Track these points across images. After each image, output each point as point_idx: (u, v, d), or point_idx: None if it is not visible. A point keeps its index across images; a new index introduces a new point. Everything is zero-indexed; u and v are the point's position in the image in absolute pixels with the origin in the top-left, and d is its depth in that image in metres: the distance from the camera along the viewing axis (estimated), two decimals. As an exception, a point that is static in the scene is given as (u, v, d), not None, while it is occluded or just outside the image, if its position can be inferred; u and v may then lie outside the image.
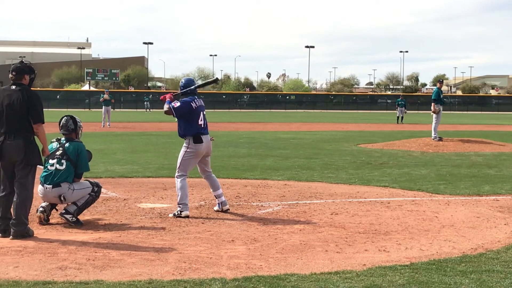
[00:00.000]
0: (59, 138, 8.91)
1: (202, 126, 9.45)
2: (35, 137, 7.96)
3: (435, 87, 23.62)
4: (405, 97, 60.18)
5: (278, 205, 10.12)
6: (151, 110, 72.56)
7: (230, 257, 6.79)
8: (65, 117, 8.97)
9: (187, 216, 9.00)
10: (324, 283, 5.81)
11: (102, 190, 11.45)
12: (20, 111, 7.76)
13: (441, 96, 23.17)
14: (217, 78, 9.99)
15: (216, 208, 9.64)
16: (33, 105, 7.85)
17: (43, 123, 7.99)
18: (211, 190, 9.77)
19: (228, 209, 9.56)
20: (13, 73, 7.99)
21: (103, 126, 35.46)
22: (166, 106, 9.35)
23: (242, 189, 11.74)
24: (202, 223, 8.67)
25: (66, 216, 8.49)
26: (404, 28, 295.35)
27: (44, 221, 8.51)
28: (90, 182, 8.92)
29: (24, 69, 8.10)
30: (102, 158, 17.08)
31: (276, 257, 6.81)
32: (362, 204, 10.30)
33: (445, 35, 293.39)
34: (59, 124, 8.94)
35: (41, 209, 8.56)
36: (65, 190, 8.50)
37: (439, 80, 24.54)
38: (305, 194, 11.21)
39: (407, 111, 51.34)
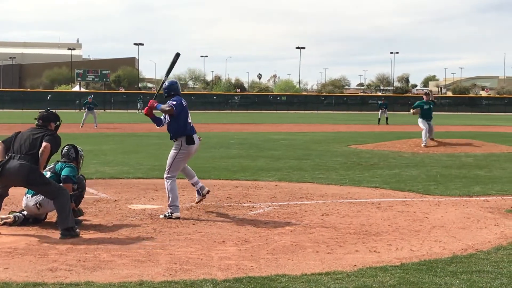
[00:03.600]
0: (58, 161, 8.94)
1: (191, 125, 9.47)
2: None
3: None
4: (387, 99, 61.10)
5: (269, 206, 10.12)
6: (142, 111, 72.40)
7: (221, 258, 6.78)
8: (66, 146, 9.12)
9: (178, 218, 9.00)
10: (315, 284, 5.82)
11: (93, 191, 11.47)
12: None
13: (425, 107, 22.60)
14: (178, 53, 10.07)
15: (197, 198, 9.71)
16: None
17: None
18: (188, 179, 9.93)
19: (209, 191, 9.80)
20: (40, 121, 8.45)
21: (82, 126, 35.33)
22: (164, 106, 9.22)
23: (233, 190, 11.74)
24: (193, 224, 8.67)
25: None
26: (395, 29, 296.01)
27: (4, 224, 8.42)
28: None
29: (50, 117, 8.58)
30: (93, 159, 17.03)
31: (267, 258, 6.82)
32: (353, 205, 10.32)
33: (435, 36, 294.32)
34: (61, 152, 9.03)
35: (17, 213, 8.54)
36: (41, 198, 8.37)
37: (426, 92, 24.32)
38: (296, 195, 11.22)
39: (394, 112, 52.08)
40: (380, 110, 47.59)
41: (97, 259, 6.66)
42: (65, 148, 9.07)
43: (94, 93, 71.02)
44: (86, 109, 37.86)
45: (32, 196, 8.51)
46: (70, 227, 7.84)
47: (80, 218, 8.65)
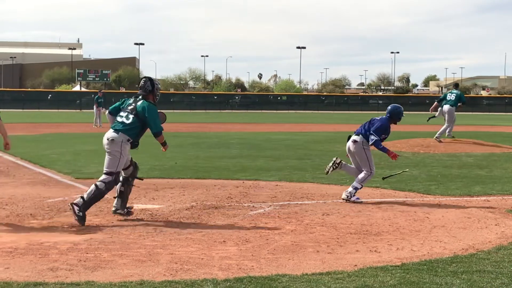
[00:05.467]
0: (138, 95, 9.18)
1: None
2: None
3: (456, 91, 23.29)
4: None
5: (270, 206, 10.12)
6: None
7: (221, 258, 6.79)
8: (143, 79, 9.31)
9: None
10: (315, 283, 5.82)
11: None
12: None
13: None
14: None
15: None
16: None
17: None
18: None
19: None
20: None
21: (101, 126, 35.48)
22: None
23: (233, 190, 11.74)
24: (194, 224, 8.67)
25: (119, 212, 8.95)
26: (395, 29, 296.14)
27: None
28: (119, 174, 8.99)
29: None
30: (94, 159, 17.03)
31: (267, 258, 6.82)
32: (353, 204, 10.32)
33: (436, 36, 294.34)
34: (139, 85, 9.31)
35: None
36: (118, 138, 8.75)
37: (456, 84, 24.51)
38: (296, 195, 11.22)
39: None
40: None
41: (97, 259, 6.66)
42: (142, 81, 9.28)
43: (95, 93, 70.88)
44: (96, 106, 36.62)
45: (113, 131, 8.87)
46: None
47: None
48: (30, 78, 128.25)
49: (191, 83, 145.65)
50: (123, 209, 8.99)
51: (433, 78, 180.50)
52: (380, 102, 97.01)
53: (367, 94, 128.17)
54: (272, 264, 6.55)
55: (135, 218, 9.02)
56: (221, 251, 7.12)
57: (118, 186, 9.04)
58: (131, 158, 9.24)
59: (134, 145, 9.00)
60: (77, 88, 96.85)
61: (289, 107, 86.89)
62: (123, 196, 9.07)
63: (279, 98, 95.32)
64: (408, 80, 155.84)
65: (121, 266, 6.41)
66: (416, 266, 6.46)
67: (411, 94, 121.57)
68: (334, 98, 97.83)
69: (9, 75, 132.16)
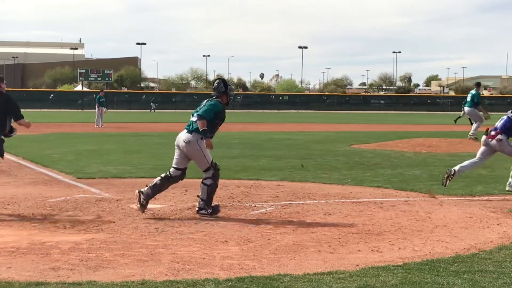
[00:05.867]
0: (211, 96, 9.50)
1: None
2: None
3: (472, 91, 23.63)
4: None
5: (271, 205, 10.12)
6: (155, 111, 72.40)
7: (223, 258, 6.78)
8: (217, 80, 9.63)
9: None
10: (317, 283, 5.81)
11: (95, 190, 11.49)
12: None
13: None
14: None
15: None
16: None
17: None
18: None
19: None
20: None
21: (102, 126, 35.64)
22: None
23: (235, 189, 11.74)
24: (195, 223, 8.67)
25: (201, 212, 9.17)
26: (397, 29, 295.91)
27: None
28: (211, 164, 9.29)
29: None
30: (95, 159, 17.05)
31: (269, 258, 6.82)
32: (355, 204, 10.32)
33: (438, 35, 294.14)
34: (213, 85, 9.68)
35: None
36: (192, 138, 9.09)
37: (478, 83, 24.59)
38: (298, 195, 11.22)
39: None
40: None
41: (99, 259, 6.66)
42: (215, 83, 9.60)
43: (96, 92, 70.93)
44: (98, 106, 36.75)
45: (186, 132, 9.23)
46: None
47: (82, 218, 8.64)
48: (32, 78, 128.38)
49: (192, 83, 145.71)
50: (145, 200, 9.17)
51: (435, 78, 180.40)
52: (382, 102, 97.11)
53: (369, 94, 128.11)
54: (273, 264, 6.55)
55: (137, 218, 9.01)
56: (222, 251, 7.12)
57: (156, 178, 9.37)
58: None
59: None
60: (79, 88, 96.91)
61: (290, 107, 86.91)
62: (154, 189, 9.26)
63: (280, 98, 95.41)
64: (410, 80, 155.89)
65: (122, 266, 6.41)
66: (418, 266, 6.45)
67: (412, 94, 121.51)
68: (335, 98, 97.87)
69: (11, 75, 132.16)
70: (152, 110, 73.29)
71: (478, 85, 24.40)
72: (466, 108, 23.52)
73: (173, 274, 6.12)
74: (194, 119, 9.24)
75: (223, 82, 9.53)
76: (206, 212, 9.13)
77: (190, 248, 7.23)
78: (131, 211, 9.49)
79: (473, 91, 23.72)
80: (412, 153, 19.81)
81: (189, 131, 9.20)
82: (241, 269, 6.32)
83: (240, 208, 9.84)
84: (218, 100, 9.39)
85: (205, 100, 9.48)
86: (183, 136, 9.22)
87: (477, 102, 23.27)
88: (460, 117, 23.68)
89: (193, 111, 9.51)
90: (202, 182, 9.27)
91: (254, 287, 5.70)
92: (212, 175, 9.23)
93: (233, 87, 9.68)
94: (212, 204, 9.23)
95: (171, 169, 9.35)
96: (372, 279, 5.96)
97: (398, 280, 5.94)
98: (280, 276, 6.05)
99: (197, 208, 9.26)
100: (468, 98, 23.64)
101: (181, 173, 9.38)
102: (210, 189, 9.23)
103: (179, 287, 5.67)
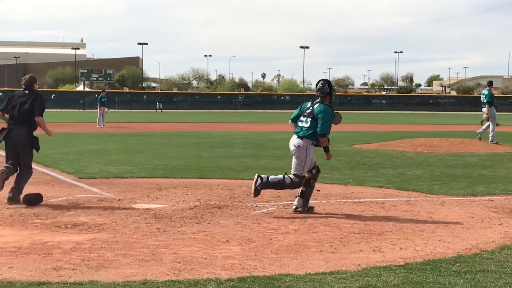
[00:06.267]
0: (314, 99, 9.74)
1: None
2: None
3: (485, 90, 23.56)
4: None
5: (273, 205, 10.11)
6: (162, 110, 72.41)
7: (225, 258, 6.78)
8: (321, 81, 9.77)
9: None
10: (318, 283, 5.81)
11: (97, 190, 11.50)
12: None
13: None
14: None
15: None
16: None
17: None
18: None
19: None
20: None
21: (104, 126, 35.72)
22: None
23: (237, 189, 11.74)
24: (197, 223, 8.67)
25: (299, 210, 9.46)
26: (399, 29, 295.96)
27: None
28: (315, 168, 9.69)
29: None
30: (97, 159, 17.05)
31: (271, 258, 6.81)
32: (356, 204, 10.31)
33: (439, 35, 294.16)
34: (316, 87, 9.84)
35: None
36: (303, 144, 9.43)
37: (490, 82, 24.44)
38: (299, 195, 11.19)
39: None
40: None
41: (101, 258, 6.67)
42: (320, 83, 9.73)
43: (98, 92, 71.06)
44: (100, 106, 36.77)
45: (297, 138, 9.57)
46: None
47: (83, 218, 8.65)
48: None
49: (194, 82, 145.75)
50: (304, 208, 9.51)
51: (437, 77, 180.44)
52: (384, 102, 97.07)
53: (370, 94, 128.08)
54: (275, 264, 6.55)
55: (139, 217, 9.02)
56: (224, 250, 7.11)
57: (300, 188, 9.60)
58: (314, 162, 9.73)
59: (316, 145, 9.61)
60: (80, 88, 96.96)
61: (292, 107, 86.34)
62: (304, 196, 9.55)
63: (282, 97, 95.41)
64: (411, 80, 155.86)
65: (124, 265, 6.41)
66: (420, 266, 6.45)
67: (414, 94, 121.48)
68: (337, 98, 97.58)
69: (12, 75, 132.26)
70: (159, 110, 73.29)
71: (490, 84, 24.22)
72: (484, 109, 23.37)
73: (174, 274, 6.12)
74: (304, 124, 9.50)
75: (327, 83, 9.70)
76: (258, 185, 9.37)
77: (192, 248, 7.23)
78: (133, 211, 9.49)
79: (485, 91, 23.59)
80: (413, 153, 19.81)
81: (300, 137, 9.50)
82: (243, 269, 6.32)
83: (242, 208, 9.84)
84: (325, 104, 9.57)
85: (310, 103, 9.70)
86: (294, 141, 9.56)
87: (489, 101, 23.20)
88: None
89: (294, 113, 9.92)
90: (285, 174, 9.57)
91: (255, 287, 5.70)
92: (293, 182, 9.48)
93: (336, 88, 9.88)
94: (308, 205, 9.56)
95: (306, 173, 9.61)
96: (373, 279, 5.96)
97: (399, 280, 5.94)
98: (281, 276, 6.05)
99: (259, 176, 9.49)
100: (482, 99, 23.47)
101: (315, 171, 9.73)
102: (278, 182, 9.47)
103: (180, 287, 5.67)
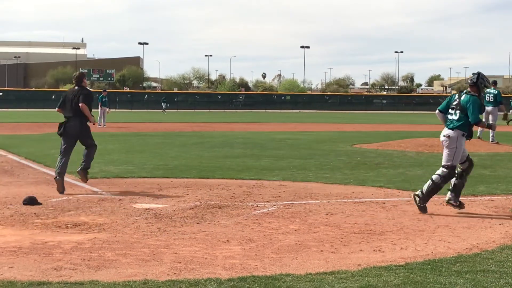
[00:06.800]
0: (462, 90, 9.98)
1: None
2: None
3: (492, 89, 23.28)
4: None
5: (274, 205, 10.11)
6: (166, 111, 72.35)
7: (225, 258, 6.78)
8: (475, 74, 9.95)
9: None
10: (319, 283, 5.81)
11: (97, 190, 11.50)
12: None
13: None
14: None
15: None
16: None
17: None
18: None
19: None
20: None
21: (105, 126, 35.81)
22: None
23: (237, 189, 11.74)
24: (197, 223, 8.67)
25: (451, 202, 9.71)
26: (399, 28, 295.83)
27: None
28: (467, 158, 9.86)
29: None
30: (97, 159, 17.00)
31: (271, 257, 6.82)
32: (357, 204, 10.31)
33: (440, 35, 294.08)
34: (469, 80, 10.05)
35: None
36: (453, 134, 9.58)
37: (494, 81, 24.26)
38: (300, 195, 11.21)
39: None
40: None
41: (101, 258, 6.67)
42: (473, 76, 9.91)
43: (99, 92, 71.13)
44: (101, 105, 36.93)
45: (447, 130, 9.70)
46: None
47: (84, 217, 8.65)
48: (35, 78, 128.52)
49: (195, 82, 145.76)
50: (456, 201, 9.68)
51: (437, 77, 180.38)
52: (384, 101, 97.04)
53: (371, 93, 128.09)
54: (275, 264, 6.55)
55: (139, 217, 9.02)
56: (224, 250, 7.12)
57: (452, 180, 9.78)
58: (468, 154, 9.93)
59: (467, 137, 9.79)
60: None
61: (293, 107, 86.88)
62: (456, 190, 9.73)
63: (283, 97, 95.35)
64: (412, 80, 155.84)
65: (125, 265, 6.41)
66: (420, 266, 6.45)
67: (415, 94, 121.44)
68: (338, 97, 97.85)
69: (13, 75, 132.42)
70: (164, 111, 73.20)
71: (495, 83, 24.13)
72: (489, 108, 23.07)
73: (175, 273, 6.12)
74: (454, 117, 9.65)
75: (478, 75, 9.86)
76: (419, 202, 9.62)
77: (192, 247, 7.23)
78: (133, 211, 9.50)
79: (494, 90, 23.37)
80: (414, 153, 19.80)
81: (451, 128, 9.67)
82: (243, 269, 6.32)
83: (242, 208, 9.84)
84: (471, 95, 9.69)
85: (457, 95, 9.86)
86: (445, 131, 9.73)
87: (500, 101, 23.17)
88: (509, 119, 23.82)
89: (442, 104, 10.00)
90: (432, 177, 9.76)
91: (256, 286, 5.70)
92: (444, 176, 9.64)
93: (484, 80, 9.91)
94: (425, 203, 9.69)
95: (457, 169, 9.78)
96: (374, 279, 5.96)
97: (400, 280, 5.94)
98: (282, 275, 6.05)
99: (415, 195, 9.77)
100: (489, 98, 23.18)
101: (468, 164, 9.89)
102: (432, 187, 9.64)
103: (181, 287, 5.68)
